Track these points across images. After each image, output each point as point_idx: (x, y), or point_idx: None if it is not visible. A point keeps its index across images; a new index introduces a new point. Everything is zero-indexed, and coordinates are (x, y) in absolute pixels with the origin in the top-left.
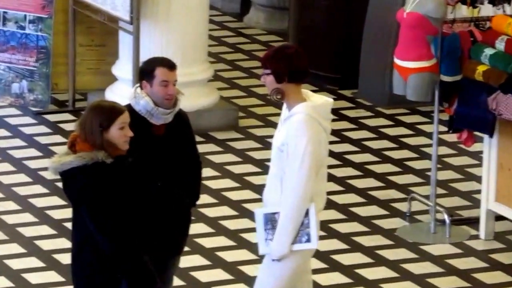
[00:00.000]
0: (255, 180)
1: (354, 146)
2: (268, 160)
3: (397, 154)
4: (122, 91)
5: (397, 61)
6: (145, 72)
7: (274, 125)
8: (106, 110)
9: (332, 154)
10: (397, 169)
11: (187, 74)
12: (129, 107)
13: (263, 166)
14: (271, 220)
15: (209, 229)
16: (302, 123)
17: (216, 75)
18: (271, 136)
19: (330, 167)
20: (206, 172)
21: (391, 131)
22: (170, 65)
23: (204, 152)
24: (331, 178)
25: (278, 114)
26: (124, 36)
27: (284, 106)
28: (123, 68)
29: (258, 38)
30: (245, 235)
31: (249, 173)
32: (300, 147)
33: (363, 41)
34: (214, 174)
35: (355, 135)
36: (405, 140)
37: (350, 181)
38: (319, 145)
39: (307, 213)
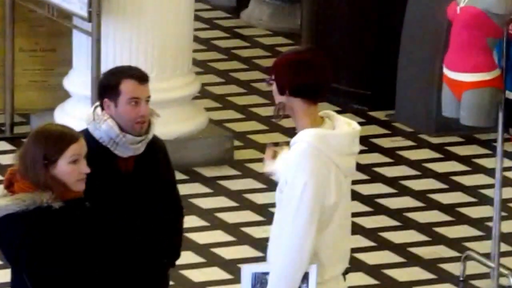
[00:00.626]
0: (256, 232)
1: (389, 186)
2: (273, 205)
3: (447, 198)
4: (77, 111)
5: (447, 72)
6: (107, 87)
7: None
8: (53, 137)
9: (359, 197)
10: (447, 217)
11: (164, 89)
12: (86, 134)
13: (266, 213)
14: (260, 282)
15: None
16: (301, 157)
17: (204, 91)
18: None
19: (356, 214)
20: (190, 221)
21: (439, 167)
22: (140, 77)
23: (187, 194)
24: (357, 228)
25: (287, 143)
26: (79, 38)
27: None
28: (78, 81)
29: (260, 40)
30: None
31: (247, 222)
32: (296, 191)
33: (401, 45)
34: (201, 224)
35: (390, 171)
36: (457, 178)
37: (384, 234)
38: (324, 189)
39: (306, 277)
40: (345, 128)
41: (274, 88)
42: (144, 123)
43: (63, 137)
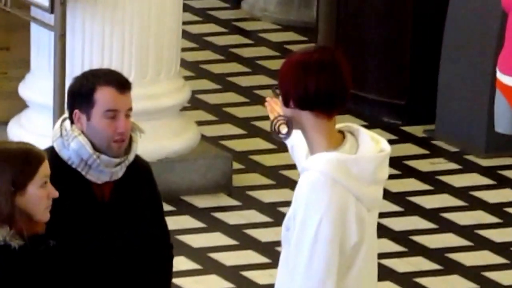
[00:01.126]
0: (259, 277)
1: (428, 220)
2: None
3: (500, 235)
4: (37, 125)
5: (501, 77)
6: (78, 95)
7: (292, 183)
8: (18, 158)
9: (389, 234)
10: (500, 260)
11: (145, 97)
12: (51, 153)
13: (272, 254)
14: None
15: None
16: (313, 190)
17: (195, 100)
18: (287, 203)
19: (385, 255)
20: (178, 263)
21: (491, 196)
22: (120, 84)
23: (174, 230)
24: (386, 273)
25: None
26: (39, 33)
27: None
28: (38, 87)
29: (266, 37)
30: None
31: (248, 265)
32: (309, 231)
33: (443, 44)
34: (191, 266)
35: (430, 201)
36: None
37: (421, 280)
38: (342, 227)
39: None
40: (370, 148)
41: (280, 98)
42: (124, 142)
43: (30, 157)
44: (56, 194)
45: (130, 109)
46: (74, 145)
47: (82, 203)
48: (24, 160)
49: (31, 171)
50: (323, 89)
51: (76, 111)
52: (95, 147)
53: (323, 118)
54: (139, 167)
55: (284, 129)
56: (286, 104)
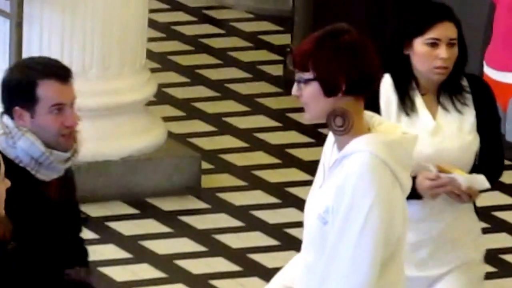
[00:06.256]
0: (229, 287)
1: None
2: (252, 249)
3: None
4: None
5: (489, 72)
6: (16, 92)
7: (268, 186)
8: None
9: None
10: None
11: (108, 91)
12: None
13: (243, 262)
14: None
15: None
16: (364, 172)
17: (161, 94)
18: (260, 206)
19: None
20: (143, 271)
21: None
22: (62, 74)
23: (137, 235)
24: None
25: (277, 165)
26: None
27: (329, 144)
28: None
29: (239, 26)
30: None
31: (218, 273)
32: (360, 213)
33: None
34: (156, 274)
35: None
36: (499, 214)
37: None
38: (393, 212)
39: None
40: (400, 130)
41: (310, 90)
42: (73, 135)
43: None
44: (8, 183)
45: (74, 98)
46: (22, 143)
47: (34, 203)
48: None
49: None
50: (370, 71)
51: (17, 108)
52: (46, 144)
53: (361, 101)
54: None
55: (339, 123)
56: (330, 92)
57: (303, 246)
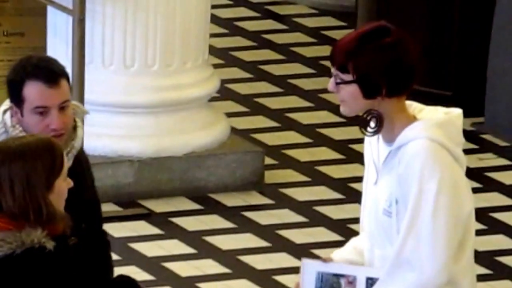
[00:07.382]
0: (293, 282)
1: (479, 222)
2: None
3: None
4: None
5: None
6: (9, 88)
7: (332, 182)
8: (45, 152)
9: None
10: None
11: (171, 87)
12: None
13: (306, 257)
14: (331, 286)
15: None
16: (425, 157)
17: (224, 90)
18: (323, 202)
19: None
20: (207, 267)
21: None
22: (49, 77)
23: (200, 230)
24: None
25: (340, 161)
26: (56, 18)
27: (377, 139)
28: None
29: (302, 22)
30: None
31: (281, 269)
32: (429, 196)
33: (493, 29)
34: (219, 270)
35: (478, 200)
36: None
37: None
38: (459, 189)
39: None
40: (443, 111)
41: (349, 90)
42: (61, 136)
43: (55, 150)
44: (71, 183)
45: (66, 101)
46: None
47: None
48: (51, 154)
49: (59, 165)
50: (411, 70)
51: (12, 105)
52: None
53: (401, 100)
54: (80, 156)
55: (372, 124)
56: (370, 94)
57: (366, 245)
